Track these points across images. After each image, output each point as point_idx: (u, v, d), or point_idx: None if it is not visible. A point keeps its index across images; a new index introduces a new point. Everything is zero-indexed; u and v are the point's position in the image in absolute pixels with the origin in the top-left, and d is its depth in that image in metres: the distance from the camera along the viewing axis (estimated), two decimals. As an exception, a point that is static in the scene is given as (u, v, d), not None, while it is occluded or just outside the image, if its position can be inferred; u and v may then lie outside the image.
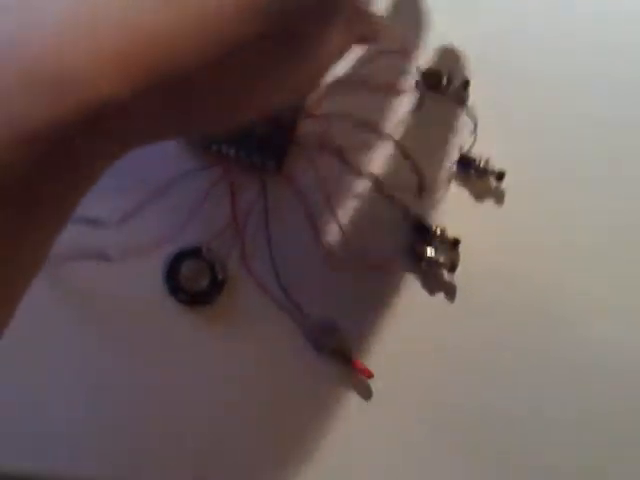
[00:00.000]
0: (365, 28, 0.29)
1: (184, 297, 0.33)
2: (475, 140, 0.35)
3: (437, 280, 0.35)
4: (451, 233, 0.35)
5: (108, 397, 0.33)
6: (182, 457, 0.32)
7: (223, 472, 0.32)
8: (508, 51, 0.36)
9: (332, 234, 0.34)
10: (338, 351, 0.33)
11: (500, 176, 0.35)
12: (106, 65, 0.19)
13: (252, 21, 0.20)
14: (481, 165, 0.35)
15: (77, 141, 0.19)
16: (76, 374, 0.33)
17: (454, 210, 0.35)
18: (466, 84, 0.36)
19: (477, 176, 0.36)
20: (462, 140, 0.36)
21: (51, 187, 0.19)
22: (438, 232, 0.35)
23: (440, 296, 0.35)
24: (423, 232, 0.35)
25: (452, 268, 0.34)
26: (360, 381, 0.33)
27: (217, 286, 0.34)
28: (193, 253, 0.34)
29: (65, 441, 0.32)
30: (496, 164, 0.35)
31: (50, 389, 0.32)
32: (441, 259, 0.34)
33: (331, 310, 0.34)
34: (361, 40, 0.29)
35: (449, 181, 0.36)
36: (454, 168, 0.36)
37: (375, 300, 0.34)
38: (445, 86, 0.35)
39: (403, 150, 0.35)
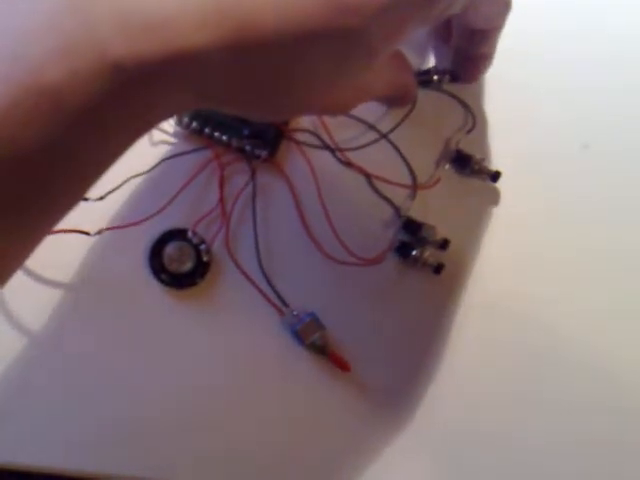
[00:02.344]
0: (406, 79, 0.30)
1: (167, 278, 0.33)
2: (471, 139, 0.35)
3: (423, 279, 0.34)
4: (441, 233, 0.34)
5: (83, 376, 0.33)
6: (151, 439, 0.33)
7: (196, 455, 0.33)
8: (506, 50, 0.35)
9: (320, 226, 0.34)
10: (317, 343, 0.33)
11: (495, 176, 0.35)
12: (199, 18, 0.20)
13: (326, 12, 0.21)
14: (476, 164, 0.35)
15: (153, 79, 0.20)
16: (53, 353, 0.33)
17: (446, 210, 0.35)
18: (454, 76, 0.35)
19: (472, 175, 0.35)
20: (457, 138, 0.35)
21: (120, 115, 0.21)
22: (428, 231, 0.34)
23: (425, 294, 0.34)
24: (413, 230, 0.35)
25: (438, 269, 0.34)
26: (338, 374, 0.33)
27: (201, 269, 0.34)
28: (178, 234, 0.34)
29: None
30: (491, 164, 0.35)
31: (30, 367, 0.32)
32: (429, 259, 0.34)
33: (313, 301, 0.34)
34: (397, 92, 0.31)
35: (441, 180, 0.35)
36: (447, 166, 0.35)
37: (359, 295, 0.34)
38: (438, 82, 0.35)
39: (396, 147, 0.35)
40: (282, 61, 0.22)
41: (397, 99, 0.33)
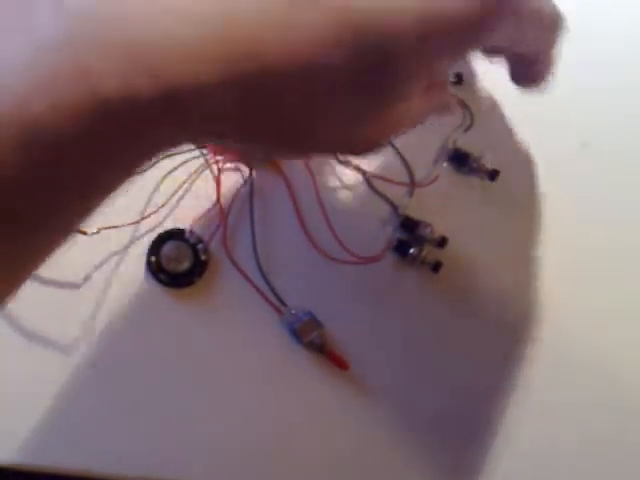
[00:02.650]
0: (442, 98, 0.28)
1: (164, 278, 0.33)
2: (469, 137, 0.35)
3: (421, 277, 0.34)
4: (439, 231, 0.34)
5: (80, 375, 0.33)
6: (146, 436, 0.33)
7: (189, 451, 0.33)
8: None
9: (318, 225, 0.34)
10: (315, 341, 0.33)
11: (493, 175, 0.35)
12: (200, 51, 0.19)
13: (345, 45, 0.20)
14: (474, 162, 0.35)
15: (147, 115, 0.19)
16: (50, 353, 0.33)
17: (444, 208, 0.35)
18: (459, 77, 0.35)
19: (470, 174, 0.35)
20: (455, 136, 0.35)
21: (109, 151, 0.20)
22: (426, 229, 0.34)
23: (424, 293, 0.34)
24: (410, 228, 0.35)
25: (436, 268, 0.34)
26: (336, 372, 0.33)
27: (198, 269, 0.34)
28: (176, 234, 0.34)
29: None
30: (489, 162, 0.35)
31: (27, 367, 0.32)
32: (427, 258, 0.34)
33: (311, 300, 0.34)
34: (437, 111, 0.28)
35: (439, 178, 0.35)
36: (445, 164, 0.35)
37: (357, 293, 0.34)
38: None
39: (393, 145, 0.35)
40: (292, 97, 0.21)
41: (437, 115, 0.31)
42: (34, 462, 0.32)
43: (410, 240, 0.34)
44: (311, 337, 0.33)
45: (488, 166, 0.35)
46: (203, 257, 0.33)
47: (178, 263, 0.33)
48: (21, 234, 0.19)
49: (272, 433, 0.33)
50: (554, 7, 0.26)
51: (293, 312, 0.33)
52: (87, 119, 0.18)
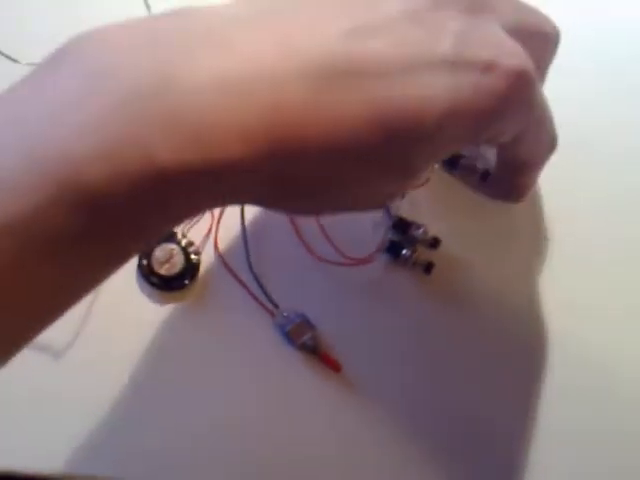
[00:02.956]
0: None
1: (156, 281, 0.33)
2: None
3: (414, 278, 0.34)
4: (432, 232, 0.34)
5: (72, 378, 0.33)
6: (138, 439, 0.32)
7: (179, 453, 0.33)
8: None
9: (309, 227, 0.34)
10: (308, 343, 0.33)
11: (485, 175, 0.35)
12: (249, 130, 0.20)
13: (376, 133, 0.22)
14: (466, 163, 0.35)
15: (192, 186, 0.21)
16: (44, 356, 0.32)
17: (436, 208, 0.35)
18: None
19: (462, 174, 0.35)
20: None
21: (156, 217, 0.21)
22: (418, 230, 0.34)
23: (416, 294, 0.34)
24: (403, 229, 0.35)
25: (428, 269, 0.34)
26: (329, 374, 0.33)
27: (190, 272, 0.33)
28: (167, 237, 0.34)
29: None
30: (487, 163, 0.35)
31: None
32: (419, 259, 0.34)
33: (304, 302, 0.34)
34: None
35: (432, 179, 0.35)
36: (437, 165, 0.35)
37: (349, 295, 0.34)
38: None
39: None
40: (325, 175, 0.22)
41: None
42: (26, 467, 0.32)
43: (402, 241, 0.34)
44: (303, 339, 0.33)
45: (479, 167, 0.35)
46: (195, 260, 0.33)
47: (170, 266, 0.33)
48: (72, 272, 0.21)
49: (264, 435, 0.33)
50: (554, 131, 0.28)
51: (285, 314, 0.33)
52: (141, 189, 0.20)
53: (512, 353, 0.34)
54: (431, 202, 0.35)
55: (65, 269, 0.20)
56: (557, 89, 0.29)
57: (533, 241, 0.35)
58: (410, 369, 0.34)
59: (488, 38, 0.24)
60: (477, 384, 0.34)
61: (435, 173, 0.35)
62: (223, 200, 0.23)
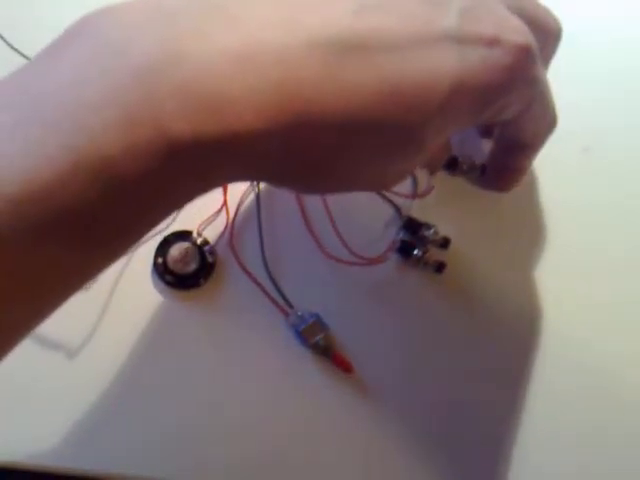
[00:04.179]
0: (442, 156, 0.32)
1: (171, 279, 0.34)
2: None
3: (425, 278, 0.35)
4: (442, 232, 0.35)
5: (87, 375, 0.33)
6: (149, 437, 0.33)
7: (195, 454, 0.33)
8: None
9: (323, 227, 0.34)
10: (321, 344, 0.33)
11: (484, 169, 0.35)
12: (261, 101, 0.21)
13: (387, 106, 0.22)
14: (464, 165, 0.35)
15: (208, 157, 0.21)
16: (57, 353, 0.33)
17: (446, 209, 0.35)
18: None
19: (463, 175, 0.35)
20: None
21: (171, 187, 0.21)
22: (429, 230, 0.35)
23: (427, 294, 0.35)
24: (414, 230, 0.35)
25: (440, 269, 0.34)
26: (341, 375, 0.33)
27: (205, 270, 0.34)
28: (183, 236, 0.34)
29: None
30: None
31: (32, 367, 0.33)
32: (430, 259, 0.34)
33: (317, 302, 0.34)
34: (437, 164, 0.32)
35: (443, 179, 0.35)
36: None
37: (362, 295, 0.34)
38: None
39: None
40: (335, 147, 0.22)
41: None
42: (38, 462, 0.32)
43: (413, 241, 0.35)
44: (316, 339, 0.33)
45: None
46: (210, 259, 0.34)
47: (185, 265, 0.34)
48: (86, 249, 0.21)
49: (276, 434, 0.33)
50: (555, 111, 0.29)
51: (299, 314, 0.34)
52: (156, 160, 0.20)
53: (522, 352, 0.34)
54: (442, 202, 0.35)
55: (82, 242, 0.20)
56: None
57: (543, 243, 0.36)
58: (422, 369, 0.34)
59: (493, 14, 0.24)
60: (490, 382, 0.34)
61: (441, 177, 0.35)
62: (239, 174, 0.23)
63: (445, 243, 0.35)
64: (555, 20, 0.28)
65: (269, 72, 0.21)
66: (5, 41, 0.35)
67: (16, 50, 0.35)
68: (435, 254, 0.35)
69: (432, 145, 0.24)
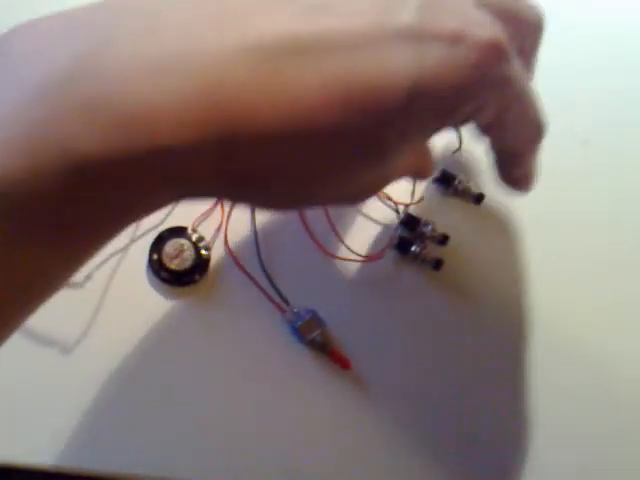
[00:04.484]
0: (424, 163, 0.28)
1: (166, 276, 0.33)
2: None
3: (423, 275, 0.34)
4: (441, 229, 0.34)
5: (80, 373, 0.33)
6: (146, 432, 0.33)
7: (194, 447, 0.33)
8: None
9: (319, 224, 0.34)
10: (318, 340, 0.33)
11: (479, 198, 0.35)
12: (183, 113, 0.19)
13: (336, 112, 0.20)
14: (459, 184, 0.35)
15: (124, 178, 0.19)
16: (52, 351, 0.33)
17: (445, 205, 0.35)
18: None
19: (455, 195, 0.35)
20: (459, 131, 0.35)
21: (82, 216, 0.19)
22: (427, 227, 0.34)
23: (425, 290, 0.34)
24: (412, 226, 0.35)
25: (437, 265, 0.34)
26: (338, 371, 0.33)
27: (200, 267, 0.33)
28: (178, 232, 0.34)
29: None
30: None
31: (33, 365, 0.32)
32: (428, 256, 0.34)
33: (314, 299, 0.34)
34: (418, 173, 0.28)
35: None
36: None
37: (359, 292, 0.34)
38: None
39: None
40: (281, 159, 0.20)
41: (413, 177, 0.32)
42: (35, 461, 0.32)
43: (411, 238, 0.34)
44: (313, 335, 0.33)
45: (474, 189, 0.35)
46: (205, 255, 0.33)
47: (180, 261, 0.33)
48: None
49: (273, 431, 0.33)
50: (540, 114, 0.26)
51: (295, 310, 0.33)
52: (63, 182, 0.18)
53: (519, 349, 0.34)
54: (440, 199, 0.35)
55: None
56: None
57: (541, 239, 0.35)
58: (420, 365, 0.34)
59: (454, 8, 0.22)
60: (486, 378, 0.34)
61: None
62: (177, 191, 0.21)
63: (444, 240, 0.34)
64: (533, 10, 0.26)
65: (191, 79, 0.19)
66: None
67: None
68: (433, 250, 0.34)
69: (397, 152, 0.22)
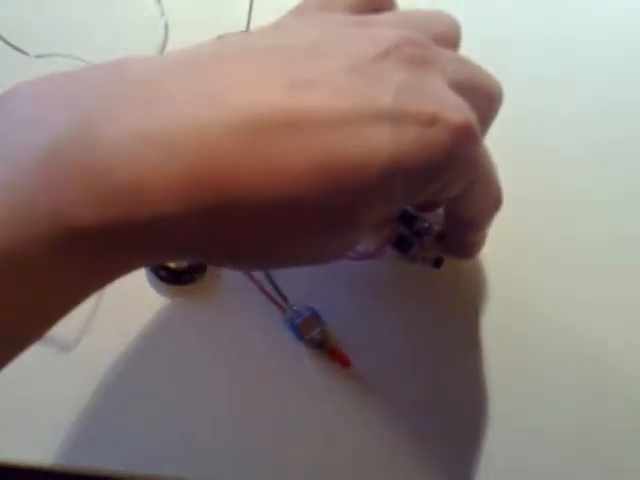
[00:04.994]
0: (391, 231, 0.32)
1: (165, 275, 0.33)
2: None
3: (423, 273, 0.34)
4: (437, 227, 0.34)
5: (79, 371, 0.33)
6: (146, 431, 0.33)
7: (194, 447, 0.33)
8: (509, 45, 0.35)
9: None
10: (317, 338, 0.33)
11: (440, 236, 0.35)
12: (172, 184, 0.20)
13: (315, 186, 0.21)
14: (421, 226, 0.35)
15: (112, 243, 0.20)
16: (53, 350, 0.33)
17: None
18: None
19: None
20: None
21: (80, 276, 0.21)
22: (424, 224, 0.34)
23: (425, 288, 0.34)
24: (409, 223, 0.34)
25: (437, 263, 0.34)
26: (338, 369, 0.33)
27: (200, 266, 0.33)
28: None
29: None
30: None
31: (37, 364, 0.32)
32: (428, 253, 0.34)
33: (313, 297, 0.34)
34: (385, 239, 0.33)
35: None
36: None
37: (359, 289, 0.34)
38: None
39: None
40: (261, 227, 0.22)
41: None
42: (35, 460, 0.32)
43: (410, 236, 0.34)
44: (312, 333, 0.33)
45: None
46: (204, 253, 0.33)
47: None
48: None
49: (272, 429, 0.33)
50: (499, 189, 0.28)
51: (295, 308, 0.33)
52: (56, 248, 0.19)
53: (522, 347, 0.34)
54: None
55: None
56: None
57: (543, 233, 0.35)
58: (420, 363, 0.34)
59: (431, 91, 0.23)
60: (487, 377, 0.34)
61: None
62: (162, 255, 0.22)
63: (442, 236, 0.34)
64: (496, 83, 0.28)
65: (183, 153, 0.20)
66: (3, 39, 0.35)
67: (6, 41, 0.35)
68: (433, 249, 0.34)
69: (368, 223, 0.23)
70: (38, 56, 0.34)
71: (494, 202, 0.29)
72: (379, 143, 0.22)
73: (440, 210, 0.33)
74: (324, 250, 0.24)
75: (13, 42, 0.35)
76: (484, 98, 0.26)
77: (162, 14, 0.36)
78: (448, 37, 0.27)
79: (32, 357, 0.32)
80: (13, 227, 0.19)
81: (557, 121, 0.36)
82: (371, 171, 0.22)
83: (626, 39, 0.38)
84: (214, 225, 0.21)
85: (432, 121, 0.22)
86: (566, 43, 0.38)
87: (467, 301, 0.34)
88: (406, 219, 0.35)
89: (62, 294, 0.21)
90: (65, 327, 0.32)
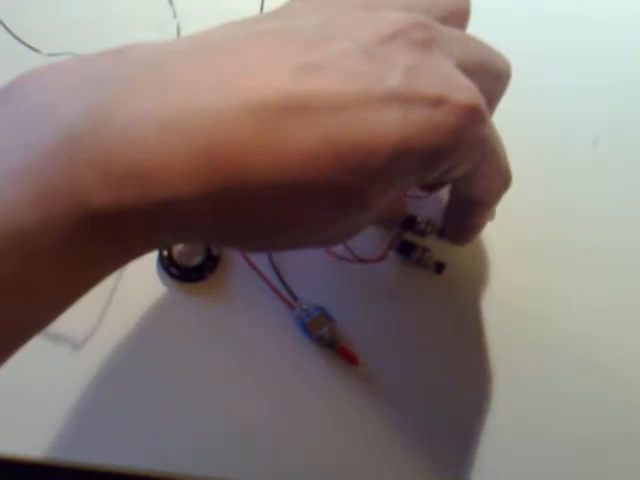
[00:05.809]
0: (398, 210, 0.31)
1: (176, 272, 0.34)
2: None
3: (426, 277, 0.35)
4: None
5: (89, 368, 0.33)
6: (158, 427, 0.33)
7: (198, 444, 0.33)
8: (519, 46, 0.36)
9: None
10: (326, 336, 0.33)
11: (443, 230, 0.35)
12: (189, 168, 0.20)
13: (325, 168, 0.22)
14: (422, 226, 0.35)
15: (131, 228, 0.21)
16: (63, 347, 0.33)
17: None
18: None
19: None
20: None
21: (95, 258, 0.21)
22: (426, 226, 0.35)
23: (429, 292, 0.35)
24: (410, 225, 0.35)
25: (439, 269, 0.35)
26: (346, 367, 0.34)
27: (210, 263, 0.34)
28: (189, 229, 0.34)
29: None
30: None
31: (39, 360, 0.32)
32: (430, 260, 0.35)
33: (323, 296, 0.34)
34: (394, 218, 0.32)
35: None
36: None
37: (365, 291, 0.35)
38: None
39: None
40: (272, 210, 0.22)
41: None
42: (46, 456, 0.32)
43: (413, 242, 0.35)
44: (321, 332, 0.33)
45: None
46: (215, 251, 0.34)
47: (190, 258, 0.34)
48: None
49: (280, 427, 0.33)
50: (508, 168, 0.29)
51: (304, 307, 0.34)
52: (76, 231, 0.20)
53: (524, 351, 0.35)
54: (440, 203, 0.36)
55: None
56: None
57: (547, 239, 0.36)
58: (427, 364, 0.34)
59: (439, 73, 0.23)
60: (490, 380, 0.34)
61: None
62: (174, 237, 0.23)
63: (441, 233, 0.35)
64: (504, 61, 0.28)
65: (198, 137, 0.20)
66: (9, 31, 0.35)
67: (19, 39, 0.35)
68: (435, 254, 0.35)
69: (378, 204, 0.24)
70: (51, 54, 0.34)
71: (503, 182, 0.29)
72: (388, 125, 0.22)
73: (439, 205, 0.34)
74: (333, 231, 0.25)
75: (26, 40, 0.35)
76: (492, 77, 0.27)
77: (174, 16, 0.36)
78: (456, 15, 0.27)
79: (43, 355, 0.32)
80: (29, 207, 0.19)
81: (562, 126, 0.37)
82: (380, 153, 0.22)
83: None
84: (227, 205, 0.21)
85: (439, 102, 0.23)
86: (574, 53, 0.38)
87: (468, 304, 0.35)
88: (407, 223, 0.35)
89: (76, 276, 0.21)
90: (76, 325, 0.32)
